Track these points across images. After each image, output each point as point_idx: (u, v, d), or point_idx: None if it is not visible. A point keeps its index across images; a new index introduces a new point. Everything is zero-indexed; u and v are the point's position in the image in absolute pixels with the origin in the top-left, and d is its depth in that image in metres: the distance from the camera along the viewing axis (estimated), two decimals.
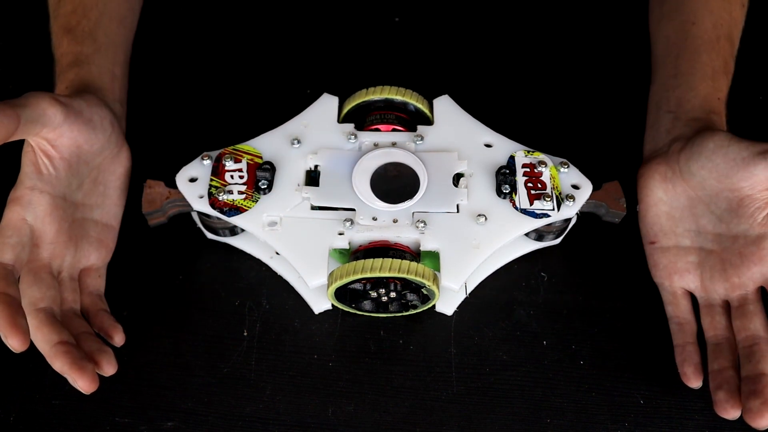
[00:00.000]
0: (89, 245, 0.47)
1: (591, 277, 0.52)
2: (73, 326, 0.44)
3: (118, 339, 0.46)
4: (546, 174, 0.49)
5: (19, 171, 0.45)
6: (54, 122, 0.43)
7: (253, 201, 0.48)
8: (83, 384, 0.41)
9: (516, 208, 0.48)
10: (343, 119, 0.53)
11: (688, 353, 0.46)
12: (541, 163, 0.50)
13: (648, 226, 0.49)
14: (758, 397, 0.41)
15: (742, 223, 0.45)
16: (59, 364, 0.41)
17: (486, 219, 0.48)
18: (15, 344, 0.39)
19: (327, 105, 0.53)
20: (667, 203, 0.49)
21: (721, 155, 0.45)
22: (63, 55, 0.51)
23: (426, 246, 0.47)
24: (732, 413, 0.42)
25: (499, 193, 0.49)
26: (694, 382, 0.45)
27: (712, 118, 0.50)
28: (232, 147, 0.50)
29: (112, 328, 0.46)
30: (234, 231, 0.51)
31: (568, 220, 0.50)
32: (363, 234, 0.47)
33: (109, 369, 0.43)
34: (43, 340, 0.41)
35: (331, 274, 0.46)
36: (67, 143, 0.45)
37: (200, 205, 0.48)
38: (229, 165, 0.49)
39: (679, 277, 0.47)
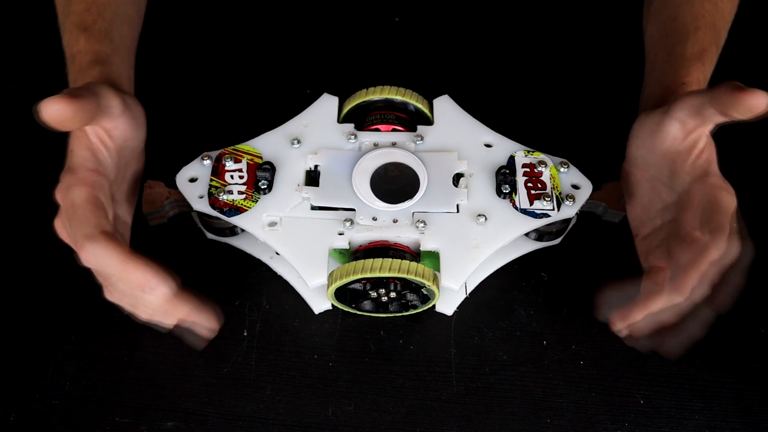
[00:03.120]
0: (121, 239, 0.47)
1: (591, 277, 0.51)
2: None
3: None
4: (546, 174, 0.49)
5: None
6: (114, 113, 0.44)
7: (253, 201, 0.48)
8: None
9: (516, 208, 0.48)
10: (343, 119, 0.53)
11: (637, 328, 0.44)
12: (541, 163, 0.50)
13: (630, 221, 0.50)
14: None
15: (680, 179, 0.45)
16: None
17: (486, 219, 0.48)
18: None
19: (327, 105, 0.53)
20: (636, 195, 0.49)
21: (645, 131, 0.46)
22: (81, 52, 0.50)
23: (426, 246, 0.47)
24: None
25: (499, 193, 0.49)
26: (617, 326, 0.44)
27: (665, 102, 0.49)
28: (232, 147, 0.50)
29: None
30: (234, 231, 0.51)
31: (568, 220, 0.50)
32: (363, 234, 0.47)
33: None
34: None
35: (331, 274, 0.46)
36: (118, 135, 0.45)
37: (200, 205, 0.48)
38: (229, 165, 0.49)
39: (653, 256, 0.47)
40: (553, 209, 0.48)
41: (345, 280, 0.45)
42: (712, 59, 0.51)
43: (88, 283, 0.50)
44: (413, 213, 0.48)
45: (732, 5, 0.54)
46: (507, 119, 0.54)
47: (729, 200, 0.43)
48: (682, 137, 0.44)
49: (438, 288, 0.46)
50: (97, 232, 0.40)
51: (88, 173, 0.43)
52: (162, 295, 0.41)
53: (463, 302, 0.50)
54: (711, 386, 0.47)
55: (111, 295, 0.43)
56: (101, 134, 0.44)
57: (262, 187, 0.48)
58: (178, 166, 0.50)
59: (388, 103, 0.52)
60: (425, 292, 0.46)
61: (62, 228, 0.43)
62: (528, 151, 0.51)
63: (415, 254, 0.47)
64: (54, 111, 0.39)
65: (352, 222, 0.47)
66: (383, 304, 0.48)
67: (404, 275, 0.44)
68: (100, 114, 0.42)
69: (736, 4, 0.54)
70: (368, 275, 0.44)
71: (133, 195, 0.49)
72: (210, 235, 0.52)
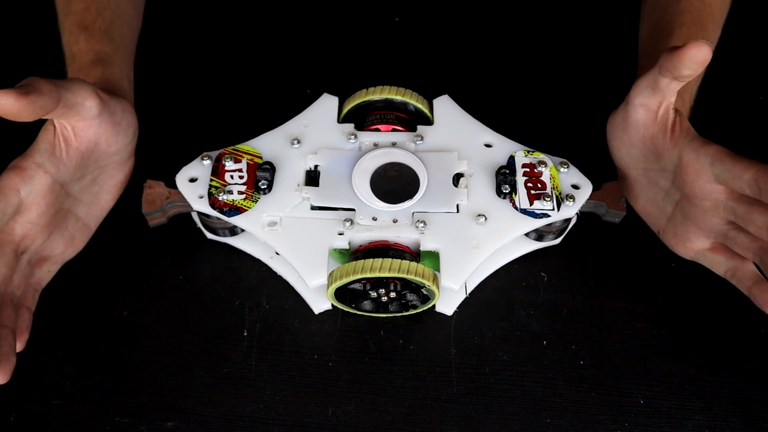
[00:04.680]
0: (61, 238, 0.46)
1: (591, 277, 0.52)
2: (3, 315, 0.42)
3: (20, 345, 0.43)
4: (546, 174, 0.49)
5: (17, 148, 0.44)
6: (88, 114, 0.43)
7: (253, 201, 0.48)
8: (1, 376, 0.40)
9: (516, 208, 0.48)
10: (343, 119, 0.53)
11: (757, 294, 0.44)
12: (541, 163, 0.50)
13: (648, 222, 0.50)
14: None
15: (667, 157, 0.45)
16: None
17: (486, 219, 0.48)
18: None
19: (327, 105, 0.53)
20: (640, 194, 0.49)
21: (617, 129, 0.47)
22: (81, 51, 0.50)
23: (426, 246, 0.47)
24: None
25: (499, 193, 0.49)
26: None
27: None
28: (232, 147, 0.50)
29: (21, 332, 0.43)
30: (234, 231, 0.51)
31: (568, 220, 0.50)
32: (363, 234, 0.47)
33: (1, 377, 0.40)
34: None
35: (331, 274, 0.46)
36: (88, 137, 0.45)
37: (200, 205, 0.48)
38: (229, 165, 0.49)
39: (690, 241, 0.47)
40: (553, 209, 0.48)
41: (345, 280, 0.45)
42: None
43: (88, 283, 0.51)
44: (413, 213, 0.48)
45: (722, 1, 0.54)
46: (507, 119, 0.54)
47: (721, 147, 0.43)
48: (651, 119, 0.45)
49: (438, 288, 0.46)
50: None
51: (30, 164, 0.43)
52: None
53: (463, 302, 0.50)
54: (711, 386, 0.47)
55: None
56: (66, 131, 0.44)
57: (262, 187, 0.48)
58: (178, 166, 0.50)
59: (388, 103, 0.52)
60: (425, 292, 0.46)
61: None
62: (528, 151, 0.51)
63: (415, 254, 0.47)
64: (2, 104, 0.38)
65: (352, 222, 0.47)
66: (383, 304, 0.48)
67: (404, 275, 0.44)
68: (67, 111, 0.42)
69: (727, 1, 0.54)
70: (368, 275, 0.44)
71: (107, 201, 0.49)
72: (210, 235, 0.52)
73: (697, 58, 0.39)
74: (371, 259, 0.45)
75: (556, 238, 0.52)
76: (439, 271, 0.46)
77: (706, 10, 0.53)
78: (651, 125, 0.45)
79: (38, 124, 0.43)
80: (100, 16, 0.52)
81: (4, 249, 0.43)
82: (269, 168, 0.49)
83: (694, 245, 0.47)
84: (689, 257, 0.48)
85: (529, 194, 0.49)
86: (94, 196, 0.48)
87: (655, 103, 0.44)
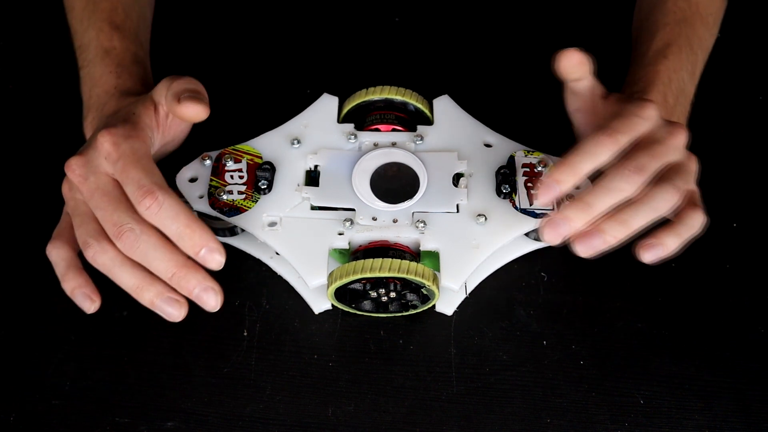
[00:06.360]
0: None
1: (591, 277, 0.52)
2: None
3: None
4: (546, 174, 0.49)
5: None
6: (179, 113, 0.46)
7: (253, 201, 0.48)
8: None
9: (516, 208, 0.48)
10: (343, 119, 0.53)
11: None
12: (541, 163, 0.50)
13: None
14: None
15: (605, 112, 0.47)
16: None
17: (486, 219, 0.48)
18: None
19: (327, 105, 0.53)
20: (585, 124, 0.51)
21: (578, 123, 0.50)
22: (117, 49, 0.51)
23: (426, 246, 0.47)
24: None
25: (499, 193, 0.49)
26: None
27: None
28: (232, 147, 0.50)
29: None
30: (234, 231, 0.51)
31: None
32: (363, 234, 0.47)
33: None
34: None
35: (330, 274, 0.46)
36: (172, 131, 0.48)
37: (200, 205, 0.48)
38: (229, 165, 0.49)
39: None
40: (553, 209, 0.48)
41: (345, 280, 0.45)
42: (679, 52, 0.52)
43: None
44: (413, 213, 0.48)
45: (710, 1, 0.54)
46: (507, 119, 0.54)
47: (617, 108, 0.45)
48: (589, 109, 0.48)
49: (438, 288, 0.46)
50: (165, 185, 0.41)
51: (146, 135, 0.44)
52: (215, 263, 0.41)
53: (463, 302, 0.50)
54: (711, 386, 0.47)
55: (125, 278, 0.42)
56: (163, 120, 0.47)
57: (262, 187, 0.48)
58: (178, 166, 0.50)
59: (388, 103, 0.52)
60: (425, 292, 0.46)
61: (68, 189, 0.44)
62: (528, 151, 0.51)
63: (415, 254, 0.47)
64: (196, 115, 0.45)
65: (352, 222, 0.47)
66: (383, 304, 0.48)
67: (404, 275, 0.44)
68: (175, 105, 0.45)
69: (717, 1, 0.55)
70: (368, 275, 0.44)
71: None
72: None
73: (574, 65, 0.45)
74: (371, 259, 0.45)
75: None
76: (439, 271, 0.46)
77: (692, 9, 0.53)
78: (591, 112, 0.48)
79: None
80: (129, 18, 0.53)
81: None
82: (269, 168, 0.49)
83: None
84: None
85: (529, 194, 0.49)
86: None
87: (582, 101, 0.48)
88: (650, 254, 0.43)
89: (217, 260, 0.41)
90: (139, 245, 0.40)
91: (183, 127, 0.49)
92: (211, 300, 0.41)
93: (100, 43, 0.51)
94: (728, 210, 0.54)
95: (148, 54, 0.54)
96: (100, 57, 0.51)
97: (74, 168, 0.43)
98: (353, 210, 0.48)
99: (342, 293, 0.47)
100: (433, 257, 0.46)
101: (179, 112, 0.44)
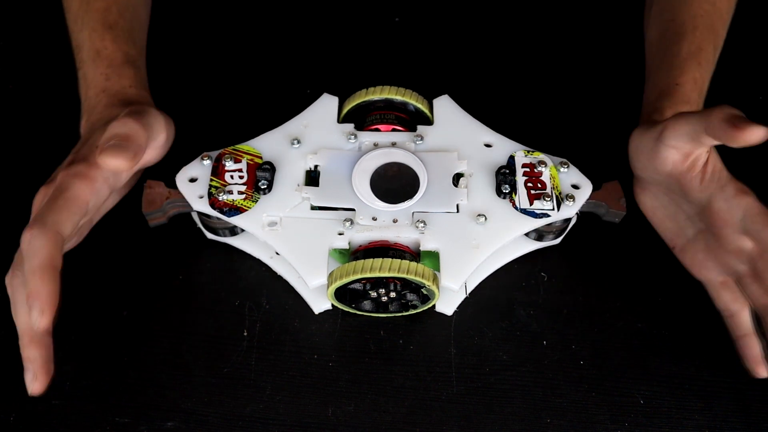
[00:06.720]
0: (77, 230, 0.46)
1: (591, 277, 0.52)
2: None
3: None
4: (546, 174, 0.49)
5: None
6: (156, 145, 0.46)
7: (253, 201, 0.48)
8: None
9: (516, 208, 0.48)
10: (343, 119, 0.53)
11: (744, 346, 0.45)
12: (541, 163, 0.50)
13: (662, 235, 0.49)
14: None
15: (694, 196, 0.45)
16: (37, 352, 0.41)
17: (486, 219, 0.48)
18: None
19: (327, 105, 0.53)
20: (659, 207, 0.49)
21: (643, 155, 0.46)
22: (109, 50, 0.51)
23: (426, 246, 0.47)
24: None
25: (499, 193, 0.49)
26: (761, 373, 0.45)
27: (659, 106, 0.49)
28: (232, 147, 0.50)
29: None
30: (234, 231, 0.51)
31: (568, 220, 0.50)
32: (363, 234, 0.47)
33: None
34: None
35: (330, 274, 0.46)
36: (148, 158, 0.46)
37: (200, 205, 0.48)
38: (229, 165, 0.49)
39: (705, 269, 0.47)
40: (553, 209, 0.48)
41: (345, 280, 0.45)
42: (709, 58, 0.51)
43: (88, 283, 0.51)
44: (413, 213, 0.48)
45: (729, 5, 0.54)
46: (507, 119, 0.54)
47: (755, 202, 0.43)
48: (681, 160, 0.44)
49: (438, 288, 0.46)
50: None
51: (97, 175, 0.43)
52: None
53: (463, 302, 0.50)
54: (711, 386, 0.47)
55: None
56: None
57: (262, 187, 0.48)
58: (178, 166, 0.50)
59: (388, 103, 0.52)
60: (425, 292, 0.46)
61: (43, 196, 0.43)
62: (528, 151, 0.51)
63: (415, 254, 0.47)
64: (115, 166, 0.41)
65: (352, 222, 0.47)
66: (383, 304, 0.48)
67: (404, 275, 0.44)
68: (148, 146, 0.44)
69: (733, 3, 0.54)
70: (368, 275, 0.44)
71: (113, 200, 0.48)
72: (210, 235, 0.52)
73: (750, 141, 0.37)
74: (371, 259, 0.45)
75: (556, 238, 0.52)
76: (439, 271, 0.46)
77: (717, 13, 0.53)
78: (680, 165, 0.44)
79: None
80: (122, 18, 0.52)
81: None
82: (269, 168, 0.49)
83: (709, 274, 0.46)
84: (698, 279, 0.48)
85: (529, 194, 0.49)
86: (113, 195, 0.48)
87: (687, 148, 0.43)
88: None
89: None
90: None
91: (156, 146, 0.47)
92: (29, 382, 0.40)
93: (93, 43, 0.51)
94: None
95: (142, 54, 0.54)
96: (92, 58, 0.51)
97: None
98: (353, 210, 0.48)
99: (342, 293, 0.47)
100: (433, 257, 0.46)
101: (99, 162, 0.41)
